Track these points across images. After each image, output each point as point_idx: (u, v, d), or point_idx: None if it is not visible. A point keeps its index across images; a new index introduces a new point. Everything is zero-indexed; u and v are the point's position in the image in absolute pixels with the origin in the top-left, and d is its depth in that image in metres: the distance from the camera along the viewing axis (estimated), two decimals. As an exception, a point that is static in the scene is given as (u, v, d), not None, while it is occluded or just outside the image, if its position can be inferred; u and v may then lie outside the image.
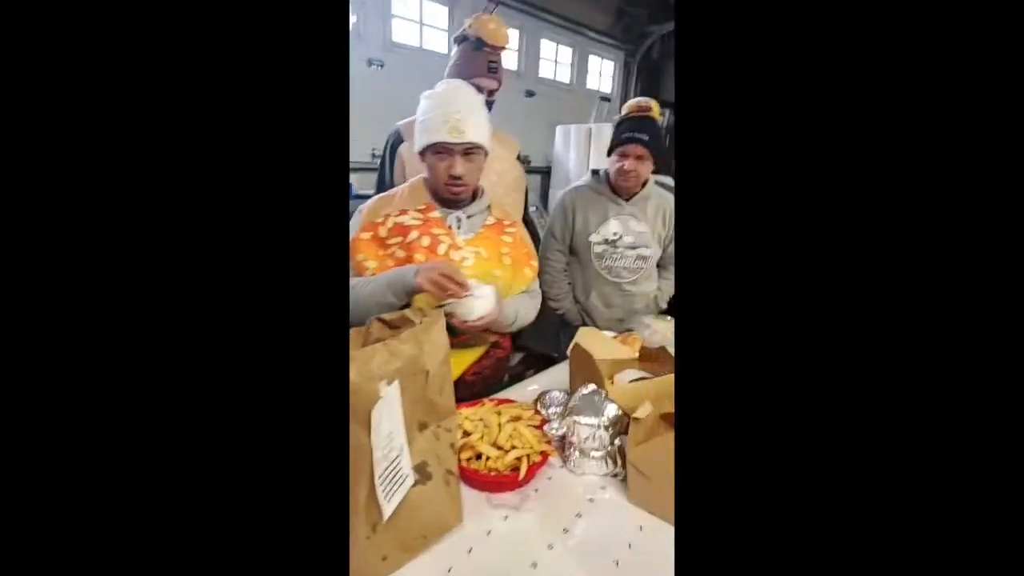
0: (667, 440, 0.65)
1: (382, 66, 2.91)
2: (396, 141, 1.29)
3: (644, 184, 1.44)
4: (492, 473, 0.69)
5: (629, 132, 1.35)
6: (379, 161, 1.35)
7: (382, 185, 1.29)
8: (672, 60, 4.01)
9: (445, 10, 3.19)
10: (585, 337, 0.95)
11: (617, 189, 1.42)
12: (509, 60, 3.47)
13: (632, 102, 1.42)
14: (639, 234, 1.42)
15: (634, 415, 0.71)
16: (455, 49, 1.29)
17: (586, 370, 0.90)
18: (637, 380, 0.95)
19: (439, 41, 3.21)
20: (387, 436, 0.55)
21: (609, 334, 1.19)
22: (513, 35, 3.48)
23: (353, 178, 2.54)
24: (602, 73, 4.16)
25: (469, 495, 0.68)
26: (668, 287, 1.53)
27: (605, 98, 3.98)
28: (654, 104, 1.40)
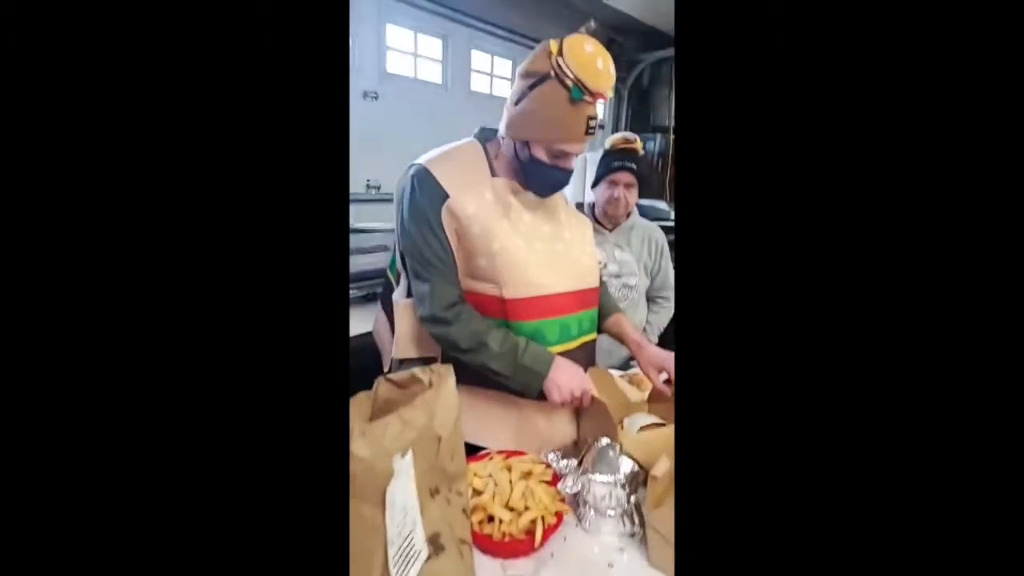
0: (688, 502, 0.62)
1: (376, 98, 2.94)
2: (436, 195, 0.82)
3: (629, 215, 1.46)
4: (506, 538, 0.67)
5: (619, 161, 1.39)
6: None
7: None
8: (661, 87, 4.10)
9: (439, 42, 3.25)
10: (592, 378, 0.94)
11: (602, 219, 1.43)
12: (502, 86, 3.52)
13: (618, 136, 1.47)
14: (623, 263, 1.43)
15: (652, 473, 0.69)
16: (524, 87, 0.80)
17: (596, 415, 0.87)
18: (648, 426, 0.93)
19: (433, 71, 3.25)
20: (401, 511, 0.53)
21: (616, 372, 1.18)
22: (504, 63, 3.55)
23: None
24: (593, 99, 4.24)
25: (483, 562, 0.65)
26: (658, 319, 1.53)
27: (599, 125, 4.06)
28: (638, 139, 1.45)
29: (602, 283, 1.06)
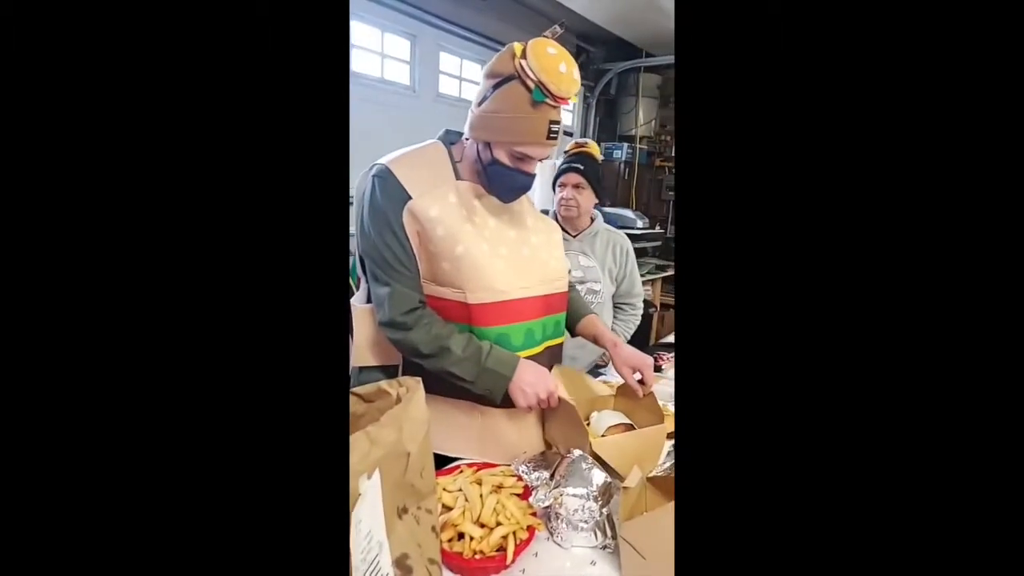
0: (661, 514, 0.62)
1: (342, 96, 2.86)
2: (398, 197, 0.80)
3: (593, 221, 1.48)
4: (477, 556, 0.65)
5: (567, 163, 1.43)
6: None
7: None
8: (628, 96, 4.18)
9: (407, 43, 3.20)
10: (559, 375, 0.93)
11: (565, 225, 1.45)
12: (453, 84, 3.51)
13: (571, 143, 1.49)
14: (587, 268, 1.45)
15: (624, 484, 0.68)
16: (487, 88, 0.80)
17: (563, 418, 0.86)
18: (615, 427, 0.93)
19: (401, 72, 3.20)
20: (366, 536, 0.50)
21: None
22: (474, 67, 3.54)
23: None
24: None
25: (452, 582, 0.63)
26: (624, 326, 1.55)
27: (567, 132, 4.10)
28: (591, 143, 1.49)
29: (573, 287, 1.06)
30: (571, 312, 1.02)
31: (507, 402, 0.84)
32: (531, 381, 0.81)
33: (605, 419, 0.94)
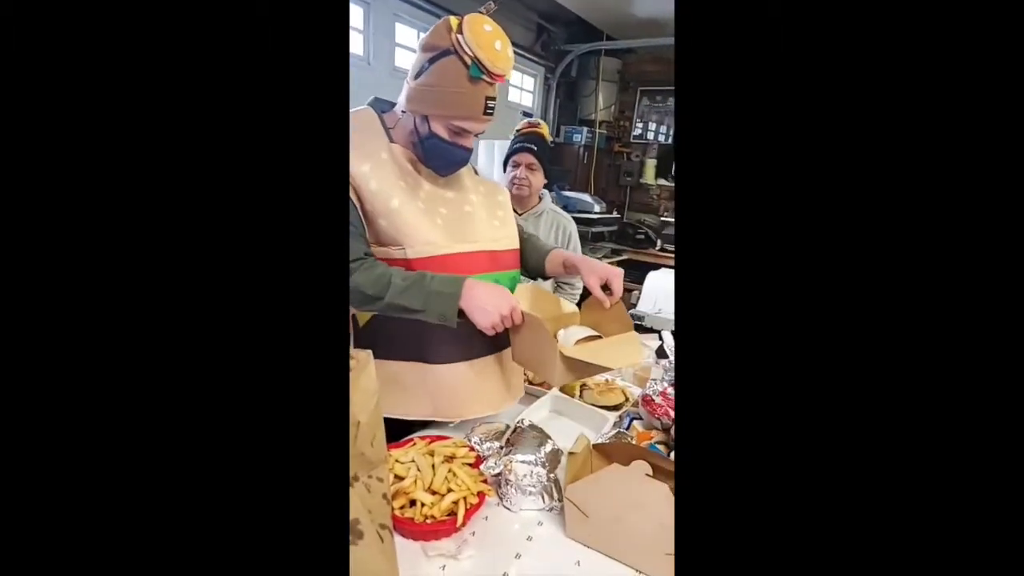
0: (602, 475, 0.66)
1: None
2: None
3: (540, 200, 1.53)
4: (428, 520, 0.67)
5: (520, 142, 1.45)
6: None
7: None
8: (588, 80, 4.20)
9: (360, 10, 3.06)
10: (526, 293, 0.90)
11: (512, 203, 1.48)
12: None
13: (523, 122, 1.50)
14: None
15: (569, 450, 0.72)
16: (423, 61, 0.82)
17: (530, 331, 0.82)
18: (584, 339, 0.91)
19: (354, 42, 3.07)
20: (315, 501, 0.51)
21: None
22: (434, 43, 3.44)
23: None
24: (523, 88, 4.25)
25: (404, 546, 0.65)
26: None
27: (527, 113, 4.08)
28: (543, 123, 1.53)
29: (529, 237, 1.05)
30: (538, 255, 1.02)
31: (457, 356, 0.84)
32: (488, 298, 0.78)
33: (573, 334, 0.90)
